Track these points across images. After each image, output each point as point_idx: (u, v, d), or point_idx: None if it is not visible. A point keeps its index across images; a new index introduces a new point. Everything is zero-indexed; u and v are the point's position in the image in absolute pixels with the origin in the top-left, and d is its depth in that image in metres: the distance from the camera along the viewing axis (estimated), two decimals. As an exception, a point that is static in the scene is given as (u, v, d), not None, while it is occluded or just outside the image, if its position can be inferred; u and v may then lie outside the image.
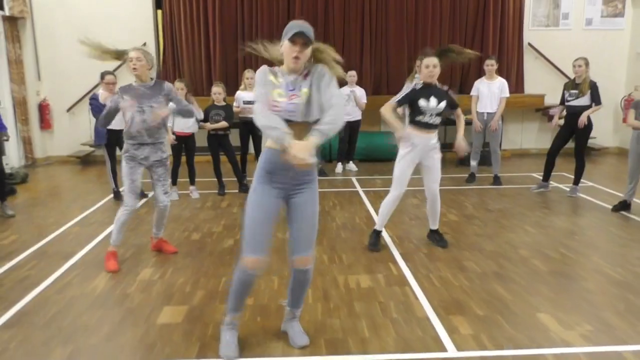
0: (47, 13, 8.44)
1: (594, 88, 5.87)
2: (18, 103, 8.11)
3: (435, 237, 4.55)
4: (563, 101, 6.15)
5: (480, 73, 7.20)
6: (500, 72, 8.21)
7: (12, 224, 5.19)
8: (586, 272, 3.88)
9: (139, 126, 3.85)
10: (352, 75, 7.51)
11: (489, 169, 7.05)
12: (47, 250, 4.43)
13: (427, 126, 4.15)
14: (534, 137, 9.16)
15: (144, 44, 8.60)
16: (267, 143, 2.59)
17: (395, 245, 4.53)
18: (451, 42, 8.77)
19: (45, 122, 8.79)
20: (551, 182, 6.51)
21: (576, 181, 6.23)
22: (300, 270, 2.72)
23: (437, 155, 4.29)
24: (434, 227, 4.55)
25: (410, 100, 4.12)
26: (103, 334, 2.97)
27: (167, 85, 4.02)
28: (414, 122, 4.17)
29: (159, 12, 8.67)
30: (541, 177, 6.52)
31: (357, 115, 7.64)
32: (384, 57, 8.69)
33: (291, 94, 2.52)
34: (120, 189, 6.29)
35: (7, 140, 5.59)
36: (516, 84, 8.87)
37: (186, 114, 4.25)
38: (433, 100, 4.09)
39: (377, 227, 4.46)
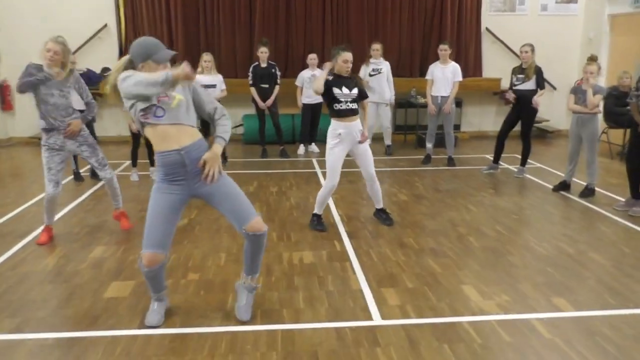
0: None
1: (538, 73, 6.14)
2: (-22, 83, 8.04)
3: (382, 215, 4.78)
4: (511, 85, 6.41)
5: (430, 56, 7.41)
6: (458, 56, 8.48)
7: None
8: (515, 248, 4.18)
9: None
10: (313, 58, 7.64)
11: (445, 151, 7.31)
12: (2, 229, 4.53)
13: (348, 112, 4.36)
14: (492, 119, 9.46)
15: (105, 25, 8.59)
16: (155, 148, 2.74)
17: (344, 223, 4.76)
18: (411, 26, 8.99)
19: (6, 103, 8.72)
20: (501, 163, 6.81)
21: (523, 162, 6.54)
22: (255, 235, 2.84)
23: (366, 144, 4.52)
24: (379, 206, 4.78)
25: (327, 90, 4.32)
26: (50, 307, 3.14)
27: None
28: (334, 112, 4.36)
29: (120, -8, 8.61)
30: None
31: (318, 98, 7.76)
32: (345, 40, 8.82)
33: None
34: (80, 170, 6.39)
35: None
36: (474, 67, 9.11)
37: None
38: (345, 89, 4.34)
39: (315, 211, 4.65)
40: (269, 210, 5.14)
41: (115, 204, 4.52)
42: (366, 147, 4.53)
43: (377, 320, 3.03)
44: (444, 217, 4.95)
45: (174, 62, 2.84)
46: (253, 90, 7.40)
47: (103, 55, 8.39)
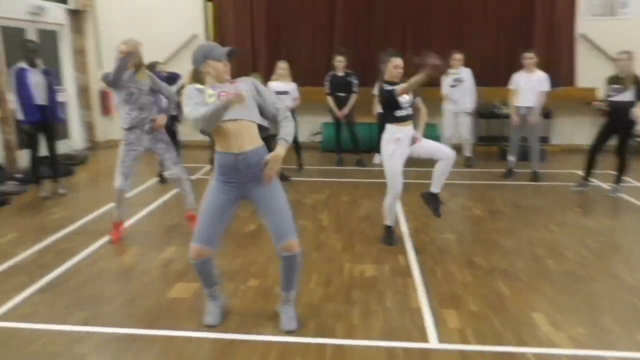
0: (107, 6, 9.02)
1: (638, 83, 5.60)
2: (81, 90, 8.77)
3: (432, 200, 4.38)
4: (606, 96, 5.90)
5: (516, 65, 7.01)
6: (549, 64, 7.94)
7: (64, 202, 5.71)
8: (599, 275, 3.81)
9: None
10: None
11: (531, 165, 6.87)
12: (89, 226, 4.87)
13: (405, 118, 4.26)
14: (586, 132, 8.70)
15: (194, 36, 9.03)
16: (216, 145, 2.83)
17: (412, 237, 4.61)
18: (496, 33, 8.59)
19: (106, 108, 9.44)
20: (593, 180, 6.29)
21: (617, 180, 5.98)
22: (286, 256, 2.89)
23: (420, 136, 4.38)
24: (436, 189, 4.37)
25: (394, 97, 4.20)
26: (117, 304, 3.31)
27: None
28: (393, 118, 4.25)
29: (210, 4, 9.02)
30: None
31: (395, 107, 7.66)
32: (426, 50, 8.62)
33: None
34: (165, 173, 6.73)
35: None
36: (567, 76, 8.52)
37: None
38: (406, 95, 4.21)
39: (387, 222, 4.52)
40: (338, 219, 5.10)
41: (187, 205, 4.69)
42: (428, 141, 4.33)
43: (433, 343, 2.88)
44: (521, 236, 4.64)
45: (234, 55, 2.87)
46: (329, 99, 7.42)
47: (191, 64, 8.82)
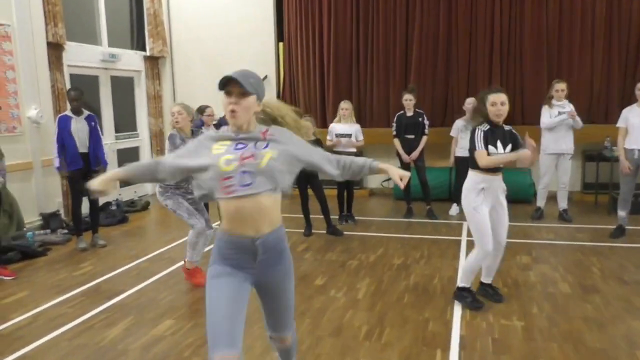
0: (184, 52, 9.09)
1: None
2: (154, 135, 8.82)
3: (489, 291, 3.89)
4: None
5: (631, 99, 5.67)
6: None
7: (98, 255, 5.45)
8: None
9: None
10: (470, 102, 6.53)
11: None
12: (102, 286, 4.49)
13: (494, 169, 3.59)
14: None
15: (265, 77, 8.72)
16: (223, 222, 2.16)
17: (462, 321, 3.59)
18: (607, 63, 7.21)
19: (181, 151, 9.42)
20: None
21: None
22: (277, 345, 2.50)
23: (504, 203, 3.69)
24: (488, 280, 3.85)
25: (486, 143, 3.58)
26: None
27: None
28: (479, 166, 3.59)
29: (281, 44, 8.71)
30: None
31: (474, 150, 6.60)
32: (518, 84, 7.46)
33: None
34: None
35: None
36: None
37: None
38: (500, 145, 3.58)
39: (462, 284, 3.79)
40: (377, 291, 4.21)
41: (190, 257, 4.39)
42: (505, 206, 3.69)
43: None
44: (619, 329, 3.41)
45: (228, 84, 2.10)
46: (396, 141, 6.59)
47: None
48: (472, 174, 3.65)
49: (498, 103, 3.48)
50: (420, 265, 4.83)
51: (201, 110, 6.25)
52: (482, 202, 3.58)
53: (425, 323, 3.58)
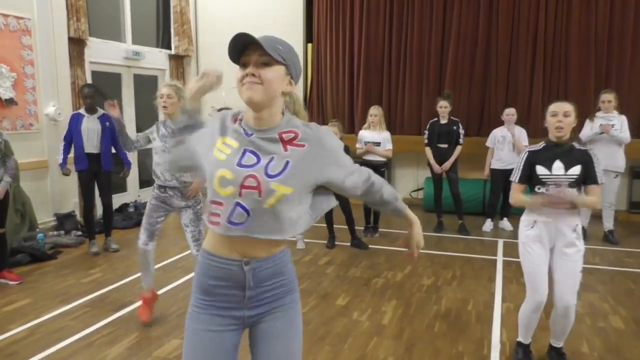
0: (209, 51, 8.84)
1: None
2: (176, 135, 8.59)
3: (554, 356, 3.10)
4: None
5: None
6: None
7: (110, 260, 5.19)
8: None
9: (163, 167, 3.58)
10: (510, 114, 6.08)
11: None
12: (109, 296, 4.21)
13: None
14: None
15: (292, 79, 8.41)
16: (204, 243, 1.67)
17: (502, 358, 3.17)
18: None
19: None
20: None
21: None
22: None
23: (575, 248, 2.86)
24: (558, 344, 3.09)
25: (528, 169, 2.93)
26: None
27: None
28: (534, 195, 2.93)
29: (310, 45, 8.40)
30: None
31: (512, 162, 6.13)
32: (561, 92, 6.96)
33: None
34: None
35: (126, 176, 5.70)
36: None
37: None
38: (559, 167, 2.84)
39: (519, 338, 3.15)
40: (404, 316, 3.81)
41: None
42: (572, 256, 2.85)
43: None
44: (686, 378, 2.95)
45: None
46: (428, 150, 6.18)
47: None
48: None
49: (560, 113, 2.84)
50: (452, 287, 4.41)
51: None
52: (534, 239, 2.89)
53: (459, 358, 3.18)
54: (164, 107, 3.48)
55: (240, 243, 1.57)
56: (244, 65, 1.53)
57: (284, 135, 1.58)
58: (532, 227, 2.92)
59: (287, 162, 1.54)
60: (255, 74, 1.50)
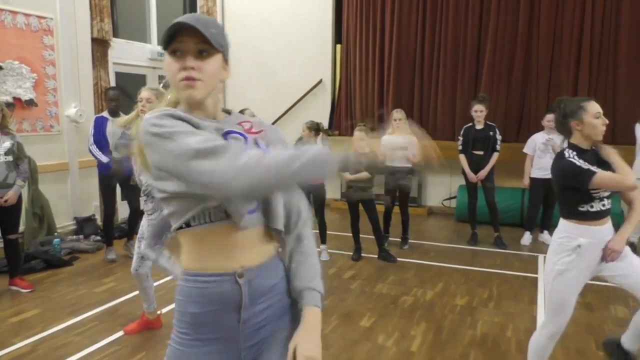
0: (236, 51, 8.63)
1: None
2: (201, 138, 8.42)
3: (619, 356, 2.81)
4: None
5: None
6: None
7: (126, 267, 4.92)
8: None
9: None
10: (551, 120, 5.64)
11: None
12: (120, 308, 3.99)
13: (599, 215, 2.51)
14: None
15: (320, 81, 8.13)
16: (185, 261, 1.40)
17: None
18: None
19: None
20: None
21: None
22: None
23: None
24: (633, 347, 2.75)
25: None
26: None
27: None
28: (577, 214, 2.52)
29: (338, 46, 8.09)
30: None
31: (553, 171, 5.69)
32: (609, 96, 6.45)
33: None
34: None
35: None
36: None
37: None
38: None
39: None
40: (436, 341, 3.46)
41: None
42: (629, 258, 2.57)
43: None
44: None
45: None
46: (462, 157, 5.78)
47: (314, 110, 7.89)
48: (564, 224, 2.57)
49: (602, 114, 2.48)
50: (489, 309, 4.03)
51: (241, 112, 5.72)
52: (570, 265, 2.51)
53: (498, 395, 2.82)
54: (142, 111, 3.19)
55: (233, 246, 1.36)
56: (174, 53, 1.32)
57: (243, 124, 1.44)
58: (571, 253, 2.50)
59: (262, 145, 1.41)
60: (196, 67, 1.30)
